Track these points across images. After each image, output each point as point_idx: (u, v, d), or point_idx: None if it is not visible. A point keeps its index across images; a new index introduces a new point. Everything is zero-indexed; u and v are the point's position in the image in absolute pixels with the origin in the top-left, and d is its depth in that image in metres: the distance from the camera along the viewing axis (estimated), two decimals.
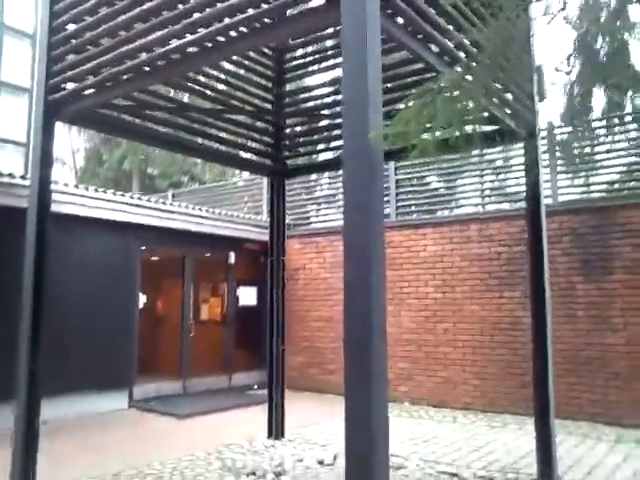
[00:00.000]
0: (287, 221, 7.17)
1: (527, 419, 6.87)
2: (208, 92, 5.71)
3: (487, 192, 9.44)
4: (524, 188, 5.50)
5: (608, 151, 8.08)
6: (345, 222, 2.75)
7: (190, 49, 3.84)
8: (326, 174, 11.27)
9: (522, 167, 6.53)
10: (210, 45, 3.81)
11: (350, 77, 2.82)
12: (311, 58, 6.51)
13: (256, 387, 9.81)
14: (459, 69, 4.00)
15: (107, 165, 22.66)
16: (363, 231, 2.66)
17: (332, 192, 11.52)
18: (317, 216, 11.73)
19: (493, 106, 4.52)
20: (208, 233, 9.64)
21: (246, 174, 15.45)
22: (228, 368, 10.29)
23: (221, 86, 6.02)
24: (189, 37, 3.75)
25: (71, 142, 24.84)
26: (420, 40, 3.74)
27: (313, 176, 11.84)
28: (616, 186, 8.45)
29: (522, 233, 8.03)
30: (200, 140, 5.94)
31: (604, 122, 6.83)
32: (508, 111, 4.82)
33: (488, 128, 5.15)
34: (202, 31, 3.67)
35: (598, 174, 8.52)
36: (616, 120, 7.93)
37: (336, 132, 6.53)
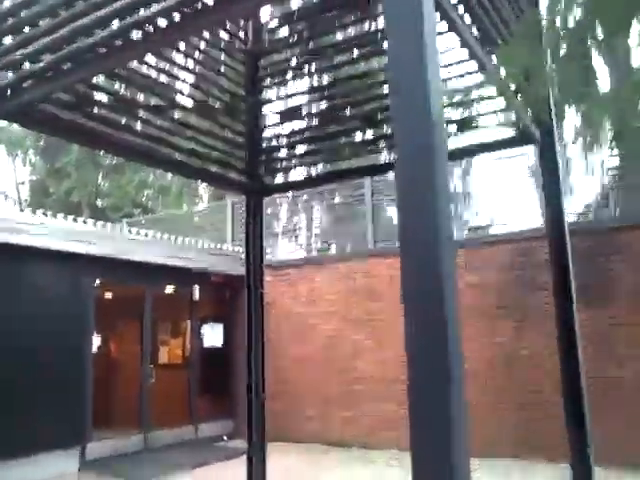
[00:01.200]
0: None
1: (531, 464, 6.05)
2: (174, 95, 4.86)
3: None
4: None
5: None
6: (402, 232, 1.91)
7: (148, 28, 3.02)
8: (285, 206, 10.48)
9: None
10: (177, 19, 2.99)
11: (401, 54, 2.03)
12: (291, 63, 5.77)
13: (226, 438, 8.75)
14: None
15: (54, 197, 21.31)
16: (430, 242, 1.83)
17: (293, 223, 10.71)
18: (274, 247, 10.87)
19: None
20: (170, 265, 8.62)
21: (207, 202, 14.52)
22: (194, 417, 9.19)
23: (189, 89, 5.17)
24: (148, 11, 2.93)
25: (15, 174, 23.44)
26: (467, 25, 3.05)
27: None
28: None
29: (515, 257, 7.38)
30: (166, 150, 5.02)
31: None
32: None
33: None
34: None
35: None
36: None
37: (319, 146, 5.74)
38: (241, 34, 5.65)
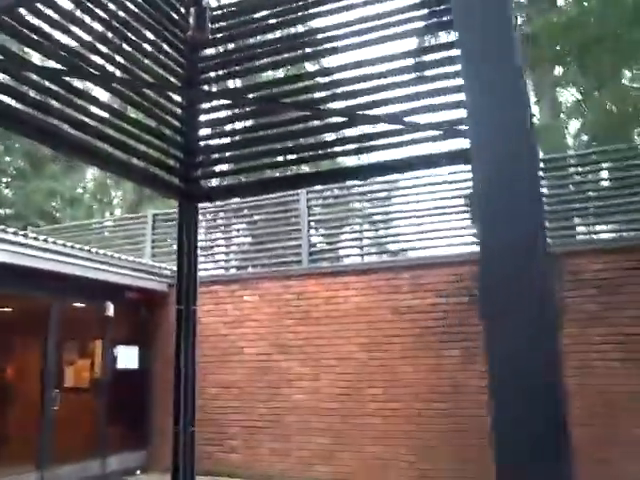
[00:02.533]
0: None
1: None
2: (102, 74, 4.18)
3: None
4: None
5: None
6: (483, 240, 1.40)
7: None
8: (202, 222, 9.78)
9: None
10: None
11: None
12: (234, 56, 5.21)
13: (139, 472, 7.83)
14: None
15: None
16: (520, 253, 1.33)
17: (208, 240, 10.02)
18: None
19: None
20: (80, 276, 7.68)
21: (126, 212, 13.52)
22: (102, 449, 8.18)
23: (118, 73, 4.49)
24: None
25: None
26: None
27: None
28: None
29: (463, 281, 7.04)
30: (89, 138, 4.27)
31: None
32: None
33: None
34: None
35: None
36: None
37: (262, 148, 5.16)
38: (180, 20, 5.03)
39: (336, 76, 4.64)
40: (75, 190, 20.17)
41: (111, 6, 4.29)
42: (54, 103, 4.04)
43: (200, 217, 8.53)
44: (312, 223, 8.70)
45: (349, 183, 8.95)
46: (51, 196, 18.71)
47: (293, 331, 7.91)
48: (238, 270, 9.82)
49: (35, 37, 3.68)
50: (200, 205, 5.90)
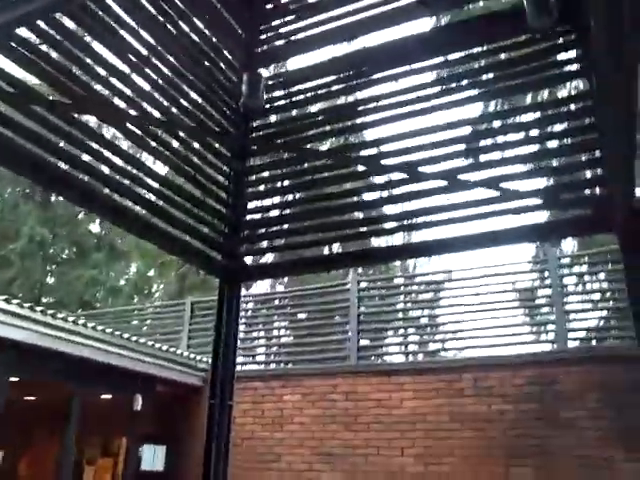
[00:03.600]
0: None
1: None
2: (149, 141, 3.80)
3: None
4: None
5: None
6: None
7: None
8: (242, 318, 9.14)
9: None
10: None
11: None
12: (285, 127, 4.80)
13: None
14: None
15: None
16: None
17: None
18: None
19: None
20: (108, 364, 7.02)
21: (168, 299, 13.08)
22: None
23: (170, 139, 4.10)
24: None
25: None
26: None
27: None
28: None
29: (532, 385, 6.16)
30: (129, 204, 3.78)
31: None
32: None
33: None
34: None
35: None
36: None
37: (311, 222, 4.61)
38: (233, 87, 4.68)
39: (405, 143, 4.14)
40: (117, 280, 19.98)
41: (164, 69, 3.97)
42: (101, 167, 3.64)
43: (241, 311, 7.88)
44: (362, 316, 7.97)
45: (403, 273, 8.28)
46: (93, 285, 18.52)
47: (339, 437, 7.00)
48: (279, 365, 9.06)
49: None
50: (242, 294, 5.31)
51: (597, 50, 3.18)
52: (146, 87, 3.87)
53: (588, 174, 3.90)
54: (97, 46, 3.53)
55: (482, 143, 3.96)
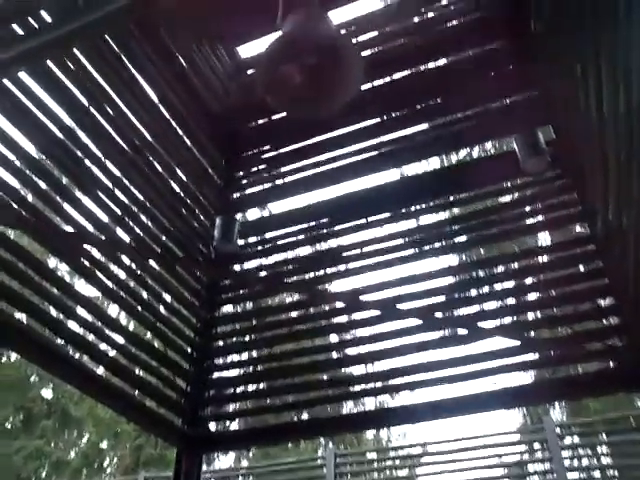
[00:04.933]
0: None
1: None
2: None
3: None
4: None
5: None
6: None
7: None
8: None
9: None
10: None
11: None
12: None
13: None
14: None
15: None
16: None
17: None
18: None
19: None
20: None
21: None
22: None
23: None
24: None
25: None
26: None
27: None
28: None
29: None
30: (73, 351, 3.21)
31: None
32: None
33: None
34: None
35: None
36: None
37: (282, 382, 4.06)
38: (204, 232, 4.37)
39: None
40: (66, 452, 18.16)
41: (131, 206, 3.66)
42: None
43: None
44: None
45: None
46: (36, 458, 16.75)
47: None
48: None
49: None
50: (203, 469, 4.54)
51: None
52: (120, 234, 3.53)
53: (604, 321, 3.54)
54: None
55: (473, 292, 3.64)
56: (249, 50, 5.04)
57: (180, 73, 4.24)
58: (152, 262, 3.81)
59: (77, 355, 3.22)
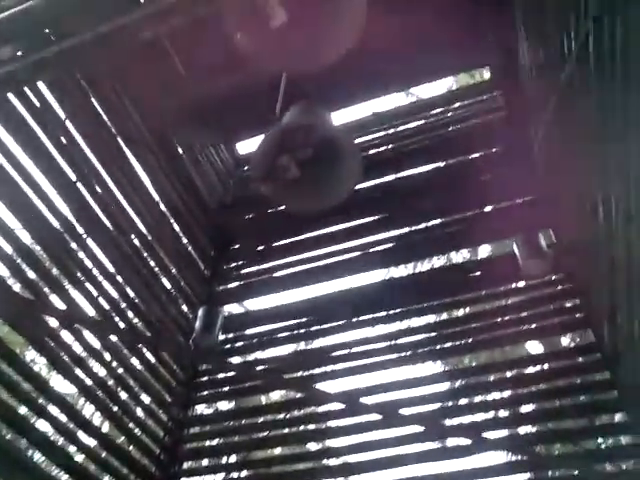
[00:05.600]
0: None
1: None
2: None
3: None
4: None
5: None
6: None
7: None
8: None
9: None
10: None
11: None
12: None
13: None
14: None
15: None
16: None
17: None
18: None
19: None
20: None
21: None
22: None
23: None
24: None
25: None
26: None
27: None
28: None
29: None
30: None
31: None
32: None
33: None
34: None
35: None
36: None
37: None
38: (186, 323, 4.15)
39: None
40: None
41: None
42: None
43: None
44: None
45: None
46: None
47: None
48: None
49: None
50: None
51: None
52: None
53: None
54: None
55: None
56: (248, 146, 5.07)
57: (179, 165, 4.21)
58: (128, 353, 3.56)
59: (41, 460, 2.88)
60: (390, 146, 4.67)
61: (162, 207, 4.03)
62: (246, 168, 4.96)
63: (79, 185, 3.13)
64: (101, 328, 3.26)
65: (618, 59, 1.84)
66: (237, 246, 4.72)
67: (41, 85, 2.89)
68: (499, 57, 3.90)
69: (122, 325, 3.50)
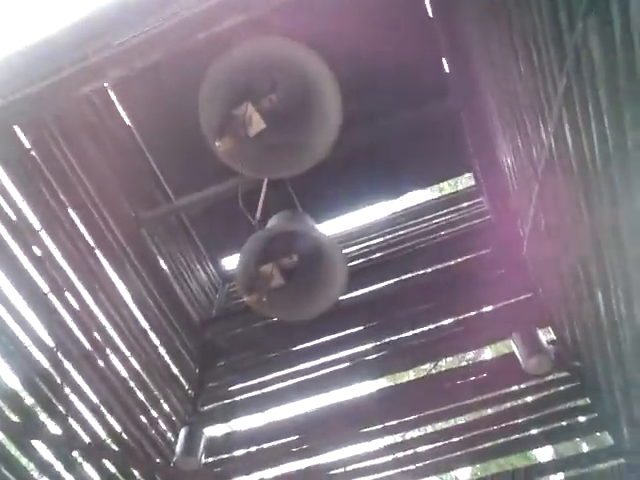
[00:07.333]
0: None
1: None
2: None
3: None
4: None
5: None
6: None
7: None
8: None
9: None
10: None
11: None
12: None
13: None
14: None
15: None
16: None
17: None
18: None
19: None
20: None
21: None
22: None
23: None
24: None
25: None
26: None
27: None
28: None
29: None
30: None
31: None
32: None
33: None
34: None
35: None
36: None
37: None
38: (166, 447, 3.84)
39: None
40: None
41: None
42: None
43: None
44: None
45: None
46: None
47: None
48: None
49: None
50: None
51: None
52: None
53: None
54: None
55: None
56: (235, 261, 4.98)
57: (163, 281, 4.09)
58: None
59: None
60: (378, 255, 4.61)
61: (144, 324, 3.87)
62: (233, 283, 4.86)
63: (51, 297, 2.99)
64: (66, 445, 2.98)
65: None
66: (222, 363, 4.50)
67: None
68: (480, 163, 3.94)
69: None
